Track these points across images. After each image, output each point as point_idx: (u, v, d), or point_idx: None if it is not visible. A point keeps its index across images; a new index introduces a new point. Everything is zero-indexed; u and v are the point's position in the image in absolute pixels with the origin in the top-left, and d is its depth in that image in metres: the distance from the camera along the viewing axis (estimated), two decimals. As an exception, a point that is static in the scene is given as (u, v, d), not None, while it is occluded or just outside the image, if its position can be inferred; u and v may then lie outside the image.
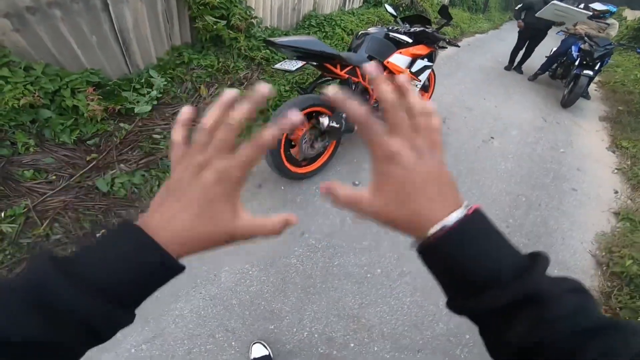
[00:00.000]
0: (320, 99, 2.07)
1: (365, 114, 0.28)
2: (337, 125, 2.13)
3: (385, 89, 0.29)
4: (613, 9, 4.48)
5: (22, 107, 1.98)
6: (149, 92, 2.61)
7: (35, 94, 2.00)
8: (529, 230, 2.32)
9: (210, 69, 3.01)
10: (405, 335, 1.62)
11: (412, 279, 1.86)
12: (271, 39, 1.83)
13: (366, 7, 6.11)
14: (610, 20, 4.49)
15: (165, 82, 2.73)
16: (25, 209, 1.79)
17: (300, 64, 1.93)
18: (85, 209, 1.91)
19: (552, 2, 4.10)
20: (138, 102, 2.53)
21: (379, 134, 0.29)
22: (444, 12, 2.82)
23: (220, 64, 3.08)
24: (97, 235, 1.85)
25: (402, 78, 0.31)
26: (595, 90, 5.51)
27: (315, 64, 2.02)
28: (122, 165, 2.18)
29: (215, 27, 2.93)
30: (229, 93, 0.30)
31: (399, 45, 2.53)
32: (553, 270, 2.00)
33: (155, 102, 2.60)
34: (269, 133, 0.29)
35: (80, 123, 2.21)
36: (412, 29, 2.66)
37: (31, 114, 2.07)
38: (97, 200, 1.98)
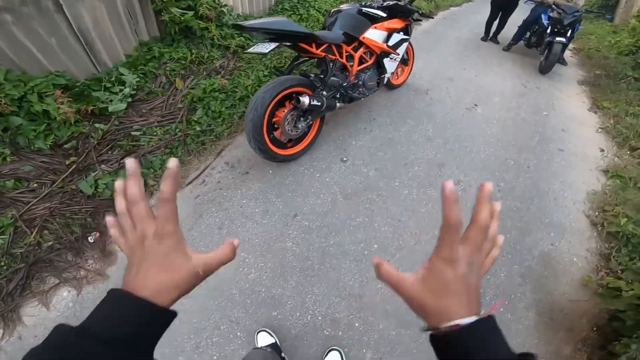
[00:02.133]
0: (298, 78, 2.08)
1: (458, 220, 0.35)
2: (319, 104, 2.14)
3: (485, 211, 0.37)
4: None
5: None
6: (121, 90, 2.57)
7: (1, 101, 1.95)
8: (521, 193, 2.38)
9: (183, 62, 2.97)
10: (409, 312, 1.65)
11: (410, 253, 1.90)
12: (240, 22, 1.81)
13: (339, -12, 6.08)
14: None
15: (138, 79, 2.69)
16: (13, 219, 1.78)
17: (273, 45, 1.91)
18: (73, 213, 1.91)
19: None
20: (111, 100, 2.48)
21: (455, 240, 0.36)
22: None
23: (193, 56, 3.03)
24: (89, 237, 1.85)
25: (497, 206, 0.40)
26: (572, 57, 5.70)
27: (289, 44, 2.01)
28: (103, 165, 2.16)
29: (182, 18, 2.88)
30: (118, 185, 0.39)
31: (373, 20, 2.55)
32: (550, 234, 2.03)
33: (129, 100, 2.56)
34: (166, 188, 0.36)
35: (53, 127, 2.18)
36: (384, 3, 2.69)
37: (2, 123, 2.02)
38: (83, 203, 1.97)
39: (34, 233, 1.77)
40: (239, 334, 1.52)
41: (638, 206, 2.27)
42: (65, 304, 1.59)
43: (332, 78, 2.27)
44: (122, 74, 2.65)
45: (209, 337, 1.50)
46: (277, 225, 1.97)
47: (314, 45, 2.10)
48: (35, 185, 1.97)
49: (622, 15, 8.89)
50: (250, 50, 1.97)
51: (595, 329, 1.68)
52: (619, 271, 1.89)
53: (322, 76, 2.28)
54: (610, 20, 7.91)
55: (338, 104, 2.40)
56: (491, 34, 5.74)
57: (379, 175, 2.37)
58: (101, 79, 2.53)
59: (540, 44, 4.93)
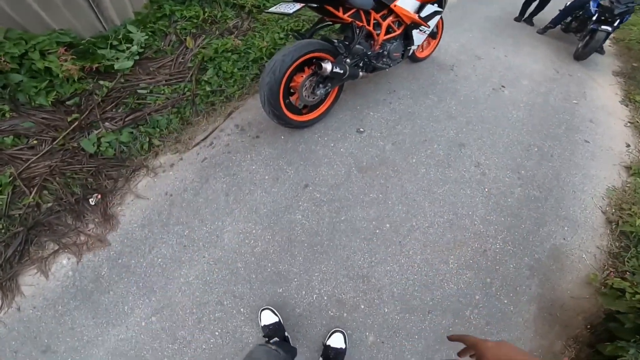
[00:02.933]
0: (321, 43, 1.94)
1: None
2: (341, 71, 2.02)
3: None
4: None
5: None
6: (128, 48, 2.48)
7: (0, 59, 1.90)
8: (541, 183, 2.30)
9: (195, 20, 2.84)
10: (415, 296, 1.63)
11: (422, 234, 1.84)
12: None
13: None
14: None
15: (147, 37, 2.59)
16: (11, 178, 1.74)
17: (298, 6, 1.78)
18: (73, 172, 1.86)
19: None
20: (117, 58, 2.40)
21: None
22: None
23: (206, 14, 2.90)
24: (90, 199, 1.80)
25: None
26: (610, 46, 5.40)
27: (315, 5, 1.86)
28: (107, 123, 2.09)
29: (197, -26, 2.73)
30: None
31: None
32: (564, 228, 1.96)
33: (137, 57, 2.47)
34: None
35: (55, 84, 2.12)
36: None
37: (1, 80, 1.97)
38: (84, 162, 1.92)
39: (33, 193, 1.73)
40: (242, 310, 1.49)
41: (656, 207, 2.18)
42: (64, 273, 1.57)
43: (357, 46, 2.12)
44: (130, 32, 2.55)
45: (211, 312, 1.48)
46: (287, 195, 1.90)
47: (341, 9, 1.95)
48: (35, 142, 1.93)
49: None
50: (272, 9, 1.83)
51: (589, 327, 1.68)
52: (627, 272, 1.86)
53: (346, 42, 2.13)
54: None
55: (361, 73, 2.27)
56: (526, 15, 5.42)
57: (396, 150, 2.27)
58: (108, 37, 2.44)
59: (580, 30, 4.62)
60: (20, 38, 2.02)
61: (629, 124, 3.20)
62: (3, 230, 1.61)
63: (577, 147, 2.69)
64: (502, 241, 1.91)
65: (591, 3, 4.39)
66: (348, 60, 2.12)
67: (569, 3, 4.87)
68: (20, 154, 1.86)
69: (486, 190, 2.15)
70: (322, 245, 1.72)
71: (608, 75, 4.20)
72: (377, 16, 2.24)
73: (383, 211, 1.89)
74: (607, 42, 5.36)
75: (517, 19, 5.44)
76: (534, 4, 5.24)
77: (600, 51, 4.82)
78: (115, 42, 2.44)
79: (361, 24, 2.11)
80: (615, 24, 4.01)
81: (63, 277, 1.56)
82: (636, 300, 1.56)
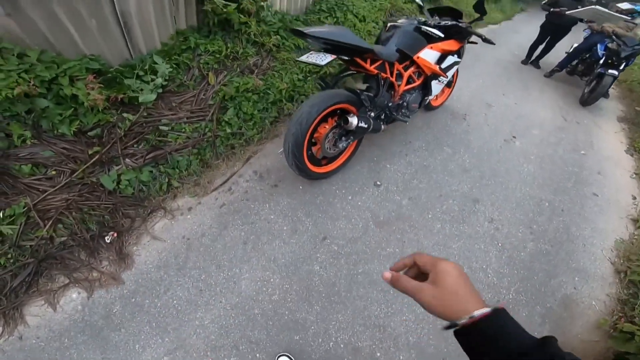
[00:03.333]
0: (347, 95, 1.99)
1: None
2: (366, 125, 2.06)
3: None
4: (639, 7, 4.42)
5: (16, 96, 1.86)
6: (153, 80, 2.51)
7: (30, 82, 1.89)
8: (552, 237, 2.33)
9: (218, 55, 2.90)
10: (430, 344, 1.63)
11: None
12: (300, 28, 1.72)
13: (378, -9, 5.95)
14: (638, 20, 4.46)
15: (171, 69, 2.62)
16: (26, 208, 1.71)
17: (330, 57, 1.81)
18: (91, 208, 1.84)
19: (595, 7, 4.05)
20: (142, 90, 2.42)
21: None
22: (479, 5, 2.62)
23: (228, 50, 2.96)
24: (106, 237, 1.78)
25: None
26: (613, 88, 5.52)
27: (346, 58, 1.91)
28: (127, 160, 2.10)
29: (225, 10, 2.80)
30: None
31: (429, 39, 2.43)
32: (575, 279, 2.01)
33: (160, 90, 2.49)
34: None
35: (80, 113, 2.11)
36: (442, 22, 2.55)
37: (27, 104, 1.96)
38: (102, 198, 1.90)
39: (47, 226, 1.69)
40: (258, 355, 1.48)
41: (662, 258, 2.25)
42: (73, 306, 1.54)
43: (381, 97, 2.19)
44: (156, 63, 2.59)
45: (226, 356, 1.46)
46: (306, 246, 1.91)
47: (368, 61, 2.00)
48: (54, 172, 1.91)
49: None
50: (304, 59, 1.88)
51: None
52: (635, 317, 1.89)
53: (371, 94, 2.18)
54: None
55: (383, 127, 2.32)
56: (533, 58, 5.59)
57: (413, 205, 2.30)
58: (134, 66, 2.47)
59: (587, 74, 4.76)
60: (52, 61, 2.03)
61: (634, 175, 3.26)
62: (12, 260, 1.57)
63: (586, 201, 2.74)
64: (514, 292, 1.94)
65: (599, 46, 4.51)
66: (372, 113, 2.17)
67: (576, 45, 5.00)
68: (37, 184, 1.83)
69: (500, 245, 2.18)
70: (340, 296, 1.73)
71: (613, 122, 4.31)
72: (400, 67, 2.31)
73: None
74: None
75: (525, 62, 5.62)
76: (540, 47, 5.42)
77: (606, 95, 4.91)
78: (141, 73, 2.47)
79: (386, 76, 2.17)
80: (622, 67, 4.13)
81: (72, 310, 1.52)
82: None
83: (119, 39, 2.48)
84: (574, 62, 5.13)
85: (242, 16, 2.96)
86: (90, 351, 1.42)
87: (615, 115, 4.50)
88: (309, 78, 3.03)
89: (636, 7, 4.39)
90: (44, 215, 1.74)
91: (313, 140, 2.08)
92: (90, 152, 2.04)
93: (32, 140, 1.94)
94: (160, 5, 2.65)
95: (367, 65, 1.99)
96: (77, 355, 1.40)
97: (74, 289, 1.59)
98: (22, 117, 1.95)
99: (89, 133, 2.12)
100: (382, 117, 2.36)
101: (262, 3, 3.24)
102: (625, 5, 4.42)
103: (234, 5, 2.86)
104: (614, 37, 4.23)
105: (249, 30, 3.05)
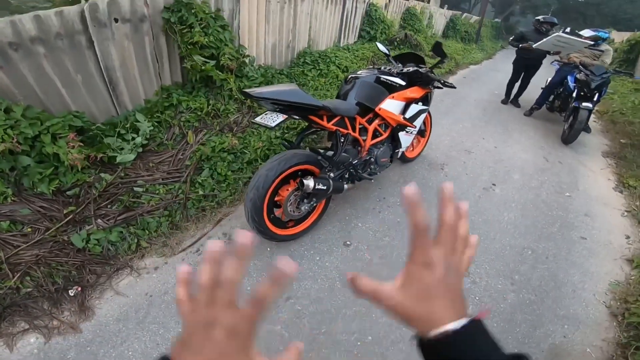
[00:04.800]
0: (305, 155, 2.00)
1: (424, 225, 0.35)
2: (324, 187, 2.02)
3: (449, 210, 0.38)
4: (604, 34, 4.54)
5: (1, 153, 1.95)
6: (133, 139, 2.60)
7: (14, 139, 1.98)
8: (537, 285, 2.25)
9: (199, 112, 3.02)
10: None
11: (407, 347, 1.76)
12: (247, 90, 1.74)
13: (361, 43, 6.34)
14: (604, 47, 4.57)
15: (152, 127, 2.73)
16: None
17: (281, 118, 1.83)
18: (59, 264, 1.89)
19: (557, 34, 4.20)
20: (122, 149, 2.51)
21: (426, 243, 0.36)
22: (437, 49, 2.70)
23: (210, 107, 3.09)
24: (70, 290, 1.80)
25: (463, 208, 0.39)
26: (594, 121, 5.55)
27: (297, 117, 1.94)
28: (99, 220, 2.14)
29: (203, 67, 2.95)
30: (214, 246, 0.33)
31: (391, 88, 2.43)
32: (564, 327, 1.93)
33: (140, 150, 2.58)
34: (269, 290, 0.32)
35: (60, 172, 2.20)
36: (404, 69, 2.58)
37: (10, 161, 2.05)
38: (71, 255, 1.95)
39: (16, 277, 1.76)
40: None
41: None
42: (30, 350, 1.57)
43: (343, 154, 2.16)
44: (138, 121, 2.70)
45: None
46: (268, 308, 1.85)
47: (325, 118, 2.01)
48: (29, 230, 1.97)
49: None
50: (258, 120, 1.90)
51: None
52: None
53: (330, 154, 2.15)
54: (638, 79, 7.72)
55: (346, 186, 2.27)
56: (512, 96, 5.73)
57: (383, 263, 2.26)
58: (116, 124, 2.58)
59: (564, 109, 4.76)
60: (37, 117, 2.12)
61: (625, 214, 3.18)
62: (-21, 307, 1.63)
63: (573, 246, 2.66)
64: None
65: (569, 78, 4.56)
66: (332, 174, 2.13)
67: (549, 80, 5.09)
68: (12, 240, 1.90)
69: (477, 298, 2.11)
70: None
71: (598, 158, 4.27)
72: (363, 121, 2.28)
73: (366, 324, 1.85)
74: (592, 117, 5.53)
75: (504, 102, 5.77)
76: (517, 85, 5.56)
77: (587, 129, 4.86)
78: (122, 131, 2.57)
79: (346, 132, 2.15)
80: (595, 99, 4.09)
81: (27, 353, 1.55)
82: None
83: (104, 94, 2.62)
84: (551, 98, 5.19)
85: (220, 73, 3.11)
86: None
87: (600, 151, 4.48)
88: (286, 135, 3.10)
89: (599, 34, 4.51)
90: (14, 268, 1.81)
91: (278, 203, 2.06)
92: (65, 211, 2.10)
93: (13, 198, 2.02)
94: (144, 61, 2.82)
95: (324, 123, 2.00)
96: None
97: (33, 334, 1.63)
98: (5, 174, 2.04)
99: (67, 192, 2.20)
100: (347, 176, 2.32)
101: (243, 59, 3.43)
102: (587, 33, 4.52)
103: (212, 63, 3.02)
104: (581, 67, 4.29)
105: (229, 86, 3.19)
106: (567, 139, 4.32)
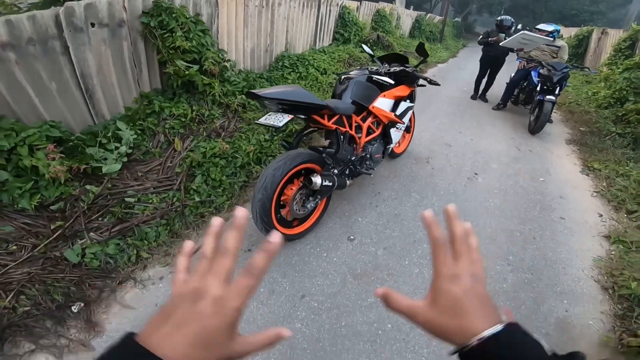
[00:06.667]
0: (309, 154, 2.05)
1: (443, 240, 0.39)
2: (330, 184, 2.10)
3: (458, 225, 0.41)
4: (558, 27, 4.99)
5: None
6: (117, 148, 2.50)
7: None
8: (531, 265, 2.40)
9: (183, 119, 2.96)
10: None
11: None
12: (254, 91, 1.76)
13: (336, 45, 6.49)
14: (560, 43, 5.01)
15: (135, 135, 2.63)
16: None
17: (287, 118, 1.88)
18: (54, 280, 1.80)
19: (522, 32, 4.58)
20: (105, 159, 2.40)
21: (448, 257, 0.39)
22: (420, 49, 2.89)
23: (194, 113, 3.04)
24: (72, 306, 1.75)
25: (468, 226, 0.42)
26: (555, 112, 6.01)
27: (303, 116, 1.99)
28: (92, 233, 2.05)
29: (187, 72, 2.91)
30: (217, 221, 0.37)
31: (381, 87, 2.58)
32: (564, 302, 2.04)
33: (125, 159, 2.48)
34: (261, 261, 0.33)
35: (41, 186, 2.08)
36: (391, 69, 2.73)
37: None
38: (67, 271, 1.86)
39: (9, 297, 1.67)
40: None
41: (644, 269, 2.32)
42: None
43: (343, 152, 2.24)
44: (120, 129, 2.59)
45: None
46: (284, 306, 1.89)
47: (326, 116, 2.08)
48: (15, 247, 1.87)
49: (591, 63, 9.62)
50: (262, 121, 1.93)
51: None
52: (637, 329, 1.92)
53: (332, 150, 2.23)
54: (594, 74, 8.43)
55: (348, 182, 2.37)
56: (480, 92, 6.12)
57: (388, 254, 2.34)
58: (97, 133, 2.46)
59: (529, 102, 5.15)
60: (11, 129, 2.00)
61: (594, 194, 3.45)
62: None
63: (555, 226, 2.86)
64: None
65: (532, 73, 4.95)
66: (335, 170, 2.23)
67: (512, 75, 5.48)
68: None
69: None
70: (325, 351, 1.70)
71: (562, 146, 4.63)
72: (358, 119, 2.39)
73: (383, 313, 1.90)
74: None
75: (474, 97, 6.15)
76: (484, 81, 5.96)
77: (549, 120, 5.29)
78: (104, 140, 2.45)
79: (345, 129, 2.24)
80: (557, 92, 4.48)
81: None
82: None
83: (80, 103, 2.50)
84: (515, 92, 5.61)
85: (205, 78, 3.07)
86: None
87: (563, 139, 4.87)
88: (275, 138, 3.12)
89: (555, 27, 4.94)
90: (6, 287, 1.71)
91: (282, 203, 2.09)
92: (52, 226, 2.00)
93: None
94: (122, 68, 2.72)
95: (325, 122, 2.06)
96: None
97: (42, 354, 1.55)
98: (-19, 191, 1.91)
99: (51, 207, 2.09)
100: (347, 172, 2.42)
101: (224, 63, 3.41)
102: (546, 27, 4.95)
103: (195, 67, 2.98)
104: (544, 63, 4.69)
105: (213, 91, 3.16)
106: (534, 129, 4.67)
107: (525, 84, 5.31)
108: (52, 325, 1.65)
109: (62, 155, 2.15)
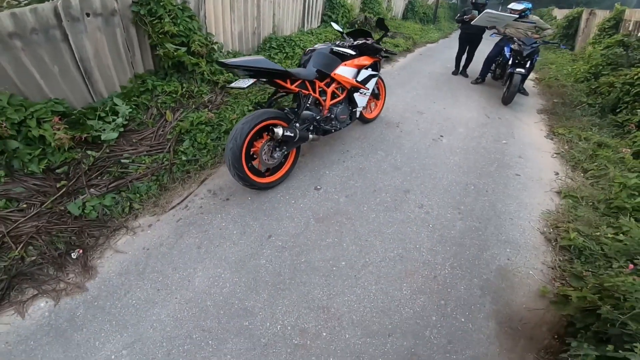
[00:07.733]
0: (274, 112, 2.23)
1: None
2: (292, 135, 2.29)
3: None
4: (529, 4, 4.92)
5: None
6: (114, 120, 2.68)
7: (2, 124, 2.05)
8: (479, 215, 2.49)
9: (174, 95, 3.12)
10: (374, 321, 1.69)
11: (375, 268, 1.96)
12: (223, 60, 1.99)
13: (324, 27, 6.46)
14: (534, 18, 4.94)
15: (131, 109, 2.81)
16: (0, 235, 1.83)
17: (251, 81, 2.09)
18: (59, 231, 1.97)
19: (486, 11, 4.56)
20: (104, 129, 2.59)
21: None
22: (380, 24, 3.11)
23: (184, 90, 3.19)
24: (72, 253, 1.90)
25: None
26: (534, 87, 5.98)
27: (265, 80, 2.18)
28: (92, 190, 2.23)
29: (176, 54, 3.06)
30: None
31: (343, 58, 2.76)
32: (507, 250, 2.14)
33: (121, 129, 2.67)
34: None
35: (48, 152, 2.27)
36: (355, 43, 2.92)
37: (0, 146, 2.10)
38: (69, 223, 2.03)
39: (19, 248, 1.82)
40: (210, 342, 1.55)
41: (589, 222, 2.35)
42: (41, 313, 1.61)
43: (305, 111, 2.43)
44: (116, 104, 2.78)
45: (180, 345, 1.52)
46: (253, 245, 2.05)
47: (288, 81, 2.27)
48: (25, 205, 2.04)
49: (580, 44, 9.38)
50: (232, 85, 2.15)
51: (556, 337, 1.70)
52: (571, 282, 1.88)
53: (295, 109, 2.44)
54: (570, 50, 8.20)
55: (311, 136, 2.55)
56: (461, 68, 6.10)
57: (349, 201, 2.48)
58: (96, 108, 2.65)
59: (503, 76, 5.17)
60: (20, 104, 2.19)
61: (555, 155, 3.49)
62: (-14, 279, 1.66)
63: (509, 181, 2.93)
64: (450, 267, 2.01)
65: (505, 49, 4.96)
66: (298, 124, 2.40)
67: (489, 53, 5.47)
68: (10, 215, 1.97)
69: (430, 226, 2.33)
70: (285, 284, 1.83)
71: (533, 115, 4.62)
72: (322, 84, 2.59)
73: (338, 252, 2.04)
74: (531, 83, 5.91)
75: (455, 73, 6.13)
76: (464, 58, 5.94)
77: (524, 93, 5.29)
78: (102, 114, 2.64)
79: (307, 93, 2.44)
80: (527, 66, 4.49)
81: (39, 317, 1.59)
82: (578, 300, 1.60)
83: (80, 83, 2.67)
84: (493, 67, 5.60)
85: (192, 58, 3.21)
86: (53, 350, 1.48)
87: (535, 109, 4.83)
88: (254, 107, 3.27)
89: (525, 5, 4.86)
90: (16, 240, 1.86)
91: (254, 156, 2.27)
92: (58, 185, 2.18)
93: (5, 179, 2.09)
94: (116, 52, 2.87)
95: (289, 85, 2.28)
96: (42, 354, 1.47)
97: (42, 298, 1.67)
98: (-4, 157, 2.09)
99: (57, 170, 2.26)
100: (311, 128, 2.60)
101: (212, 45, 3.53)
102: (516, 6, 4.86)
103: (184, 49, 3.12)
104: (515, 39, 4.68)
105: (201, 69, 3.30)
106: (506, 99, 4.71)
107: (500, 59, 5.32)
108: (54, 271, 1.80)
109: (65, 126, 2.34)
